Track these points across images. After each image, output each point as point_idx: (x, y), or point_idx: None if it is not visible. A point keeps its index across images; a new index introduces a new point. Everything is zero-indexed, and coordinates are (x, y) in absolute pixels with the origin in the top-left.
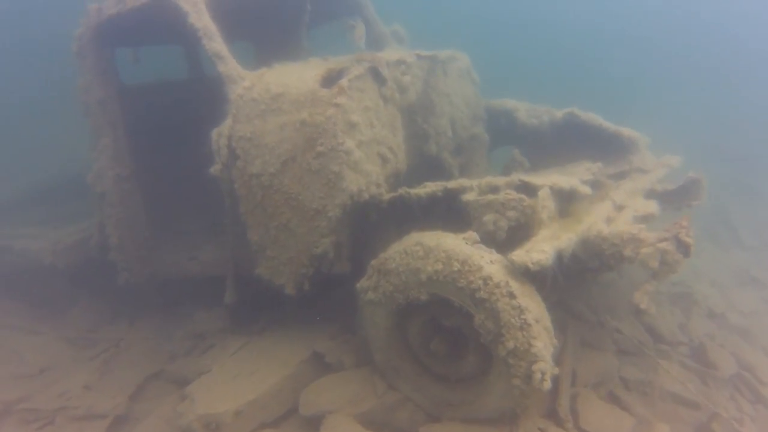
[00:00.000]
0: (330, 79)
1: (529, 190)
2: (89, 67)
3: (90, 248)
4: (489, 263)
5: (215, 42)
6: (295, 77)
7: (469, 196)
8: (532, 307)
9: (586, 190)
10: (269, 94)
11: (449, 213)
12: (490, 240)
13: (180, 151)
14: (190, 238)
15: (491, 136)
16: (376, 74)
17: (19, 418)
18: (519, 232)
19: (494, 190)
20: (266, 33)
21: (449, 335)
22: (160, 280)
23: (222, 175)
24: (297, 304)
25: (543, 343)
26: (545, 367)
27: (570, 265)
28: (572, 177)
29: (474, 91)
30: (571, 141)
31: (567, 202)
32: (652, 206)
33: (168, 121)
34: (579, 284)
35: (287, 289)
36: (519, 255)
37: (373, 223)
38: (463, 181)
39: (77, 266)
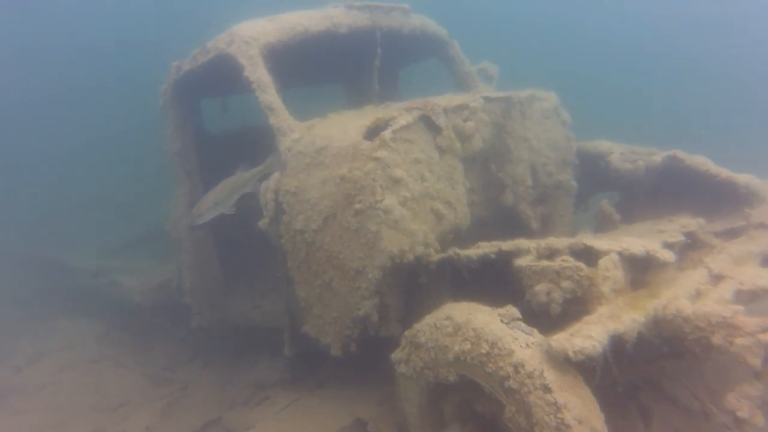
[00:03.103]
0: (376, 131)
1: (593, 256)
2: (170, 119)
3: (171, 291)
4: (523, 347)
5: (268, 94)
6: (341, 129)
7: (523, 261)
8: (574, 404)
9: (666, 256)
10: (314, 147)
11: (505, 278)
12: (543, 314)
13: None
14: (262, 286)
15: (585, 182)
16: (428, 123)
17: None
18: (576, 307)
19: (553, 254)
20: (338, 77)
21: (483, 422)
22: (229, 326)
23: (270, 230)
24: (349, 364)
25: None
26: None
27: (636, 352)
28: (659, 236)
29: (564, 134)
30: (672, 189)
31: (643, 270)
32: (767, 277)
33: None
34: (654, 372)
35: (332, 350)
36: (559, 340)
37: (423, 285)
38: (521, 242)
39: (161, 306)
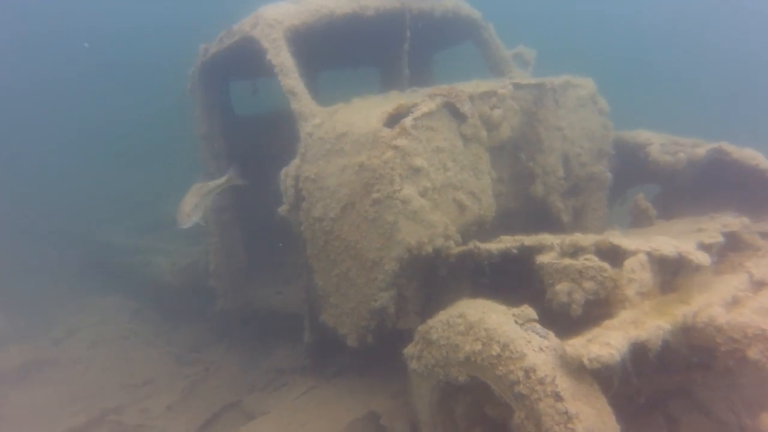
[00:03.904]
0: (397, 117)
1: (620, 255)
2: (197, 102)
3: (199, 272)
4: (536, 351)
5: (290, 78)
6: (362, 115)
7: (545, 258)
8: (587, 414)
9: (701, 258)
10: (334, 134)
11: (528, 275)
12: (563, 315)
13: None
14: (286, 272)
15: (622, 174)
16: (453, 110)
17: (108, 429)
18: (598, 310)
19: (578, 252)
20: (371, 61)
21: (494, 426)
22: (252, 311)
23: (290, 217)
24: (368, 354)
25: None
26: None
27: (661, 361)
28: (696, 236)
29: (600, 122)
30: (717, 185)
31: (675, 273)
32: None
33: (278, 150)
34: (681, 383)
35: (349, 341)
36: (575, 346)
37: (443, 278)
38: (544, 238)
39: (189, 287)
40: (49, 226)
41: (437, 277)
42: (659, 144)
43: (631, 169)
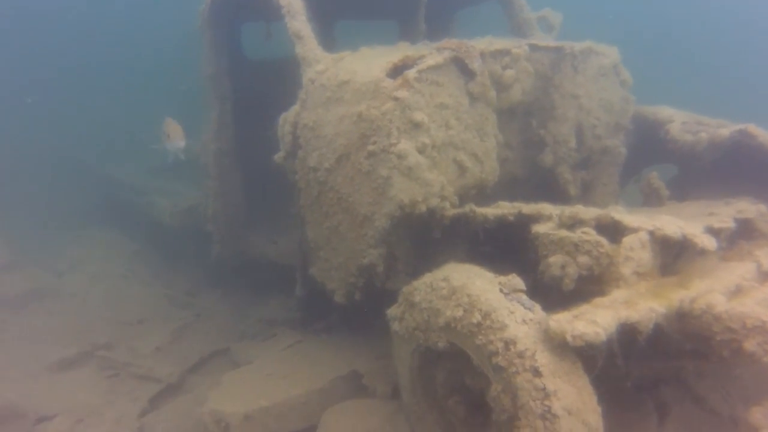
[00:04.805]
0: (402, 69)
1: (621, 232)
2: (205, 41)
3: (198, 216)
4: (518, 322)
5: (297, 21)
6: (367, 64)
7: (541, 228)
8: (567, 392)
9: (707, 242)
10: (336, 81)
11: (523, 245)
12: (555, 289)
13: None
14: (284, 221)
15: (639, 150)
16: (461, 66)
17: (97, 363)
18: (592, 286)
19: (577, 224)
20: (390, 13)
21: (471, 396)
22: (247, 259)
23: (286, 164)
24: (358, 311)
25: None
26: None
27: (651, 346)
28: (707, 220)
29: (621, 95)
30: (738, 169)
31: (678, 256)
32: None
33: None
34: (673, 370)
35: (336, 297)
36: (560, 321)
37: (437, 240)
38: (544, 207)
39: (188, 230)
40: (60, 157)
41: (431, 239)
42: (681, 122)
43: (650, 146)
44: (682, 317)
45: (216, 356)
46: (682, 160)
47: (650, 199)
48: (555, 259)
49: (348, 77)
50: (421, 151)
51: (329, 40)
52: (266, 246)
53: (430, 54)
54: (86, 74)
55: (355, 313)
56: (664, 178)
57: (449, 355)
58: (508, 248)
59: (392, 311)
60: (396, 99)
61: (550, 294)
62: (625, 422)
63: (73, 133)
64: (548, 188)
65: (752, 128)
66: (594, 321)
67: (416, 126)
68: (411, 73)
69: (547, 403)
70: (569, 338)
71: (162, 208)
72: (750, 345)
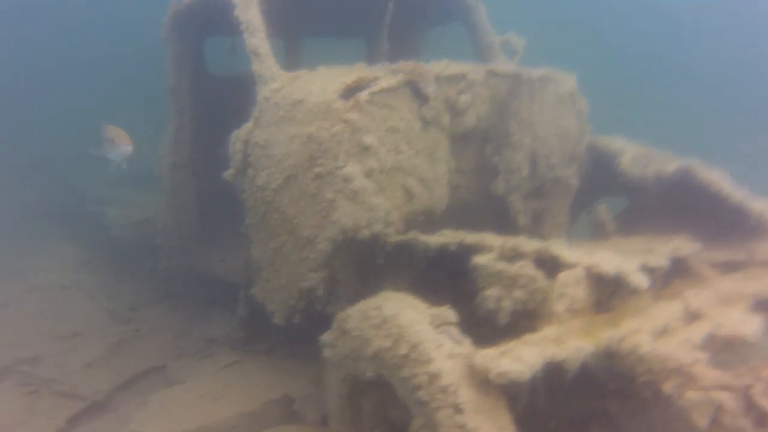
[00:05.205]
0: (355, 90)
1: (559, 267)
2: (167, 54)
3: (150, 229)
4: (444, 357)
5: (255, 38)
6: (322, 84)
7: (481, 259)
8: (487, 430)
9: (639, 281)
10: (290, 100)
11: (464, 274)
12: (490, 323)
13: None
14: (236, 239)
15: (593, 181)
16: (415, 89)
17: (16, 378)
18: (526, 322)
19: (518, 257)
20: (355, 32)
21: (396, 428)
22: (195, 275)
23: (236, 182)
24: (300, 334)
25: None
26: None
27: (577, 385)
28: (644, 257)
29: (577, 124)
30: (683, 205)
31: (612, 294)
32: (751, 325)
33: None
34: (593, 410)
35: (276, 318)
36: (485, 357)
37: (380, 266)
38: (486, 238)
39: (139, 243)
40: (31, 165)
41: (375, 265)
42: (632, 155)
43: (603, 178)
44: (609, 357)
45: (151, 374)
46: (632, 193)
47: (597, 232)
48: (491, 292)
49: (302, 97)
50: (368, 175)
51: (296, 58)
52: (214, 263)
53: (384, 76)
54: (73, 73)
55: (297, 336)
56: (613, 211)
57: (377, 385)
58: (451, 278)
59: (326, 337)
60: (346, 121)
61: (487, 327)
62: None
63: (47, 135)
64: (500, 216)
65: (695, 166)
66: (519, 358)
67: (365, 149)
68: (363, 96)
69: None
70: (493, 375)
71: (113, 219)
72: (668, 387)
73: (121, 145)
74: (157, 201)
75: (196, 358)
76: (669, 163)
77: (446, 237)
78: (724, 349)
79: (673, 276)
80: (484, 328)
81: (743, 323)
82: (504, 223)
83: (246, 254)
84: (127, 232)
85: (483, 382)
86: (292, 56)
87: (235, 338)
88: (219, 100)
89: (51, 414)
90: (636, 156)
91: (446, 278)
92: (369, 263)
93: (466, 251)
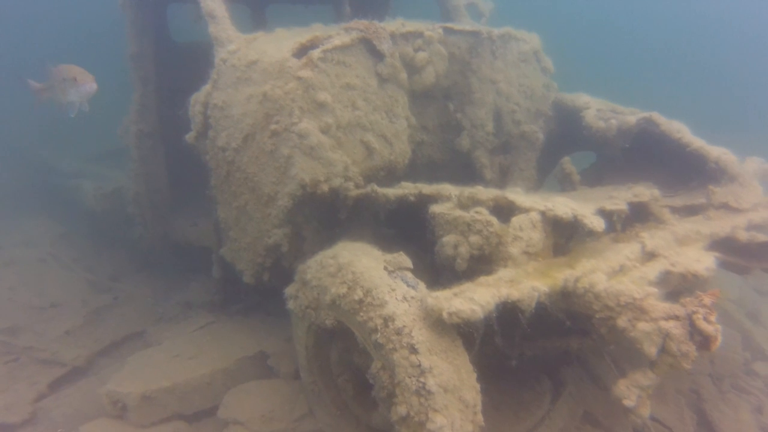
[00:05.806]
0: (309, 49)
1: (515, 212)
2: (128, 20)
3: (123, 199)
4: (398, 300)
5: (211, 0)
6: (277, 45)
7: (438, 208)
8: (443, 369)
9: (595, 223)
10: (246, 61)
11: (424, 225)
12: (449, 269)
13: None
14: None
15: (558, 137)
16: (370, 47)
17: None
18: (483, 266)
19: (475, 205)
20: None
21: (360, 374)
22: (170, 242)
23: (198, 145)
24: (273, 293)
25: (448, 420)
26: None
27: (533, 325)
28: (603, 202)
29: (542, 81)
30: (646, 155)
31: (569, 237)
32: (705, 262)
33: None
34: (555, 350)
35: (245, 277)
36: (438, 298)
37: (343, 221)
38: (443, 188)
39: (113, 214)
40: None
41: (338, 220)
42: (596, 109)
43: (570, 133)
44: (566, 296)
45: (131, 339)
46: (598, 146)
47: (564, 184)
48: (448, 239)
49: (257, 57)
50: (324, 130)
51: (262, 24)
52: (187, 228)
53: (338, 35)
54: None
55: (272, 296)
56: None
57: (340, 333)
58: (411, 229)
59: (289, 290)
60: (299, 78)
61: (446, 274)
62: (518, 399)
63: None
64: (467, 172)
65: (656, 116)
66: (471, 299)
67: (320, 106)
68: (316, 53)
69: (422, 380)
70: (445, 315)
71: (86, 191)
72: (622, 321)
73: (86, 82)
74: (127, 170)
75: (175, 321)
76: (633, 115)
77: (405, 189)
78: (680, 286)
79: (635, 221)
80: (444, 276)
81: (698, 261)
82: (472, 178)
83: (213, 216)
84: (101, 203)
85: (437, 322)
86: (258, 22)
87: (212, 302)
88: (185, 67)
89: (32, 380)
90: (600, 110)
91: (406, 231)
92: (332, 219)
93: (425, 201)
